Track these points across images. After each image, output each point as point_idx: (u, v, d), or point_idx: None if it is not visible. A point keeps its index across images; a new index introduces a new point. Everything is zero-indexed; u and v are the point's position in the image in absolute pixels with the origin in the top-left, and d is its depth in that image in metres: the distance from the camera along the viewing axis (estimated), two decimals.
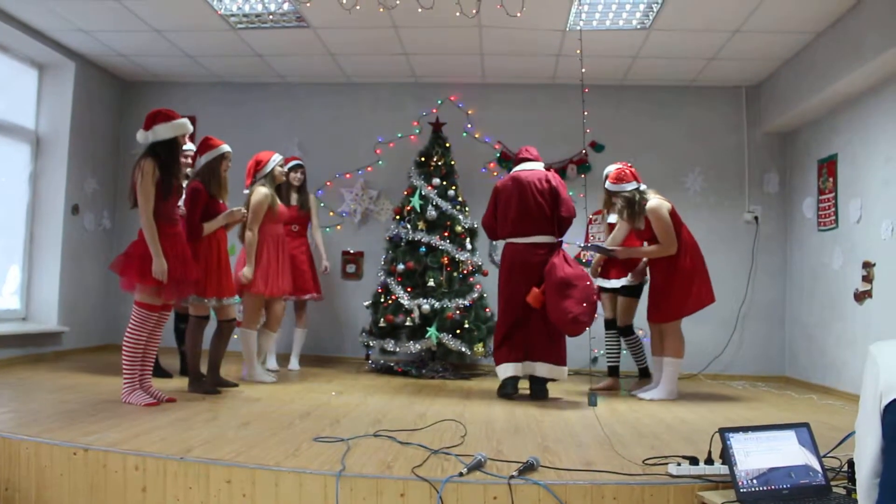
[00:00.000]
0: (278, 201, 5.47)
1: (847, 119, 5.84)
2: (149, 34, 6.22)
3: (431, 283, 6.13)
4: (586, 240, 6.62)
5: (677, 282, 5.15)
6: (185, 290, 4.49)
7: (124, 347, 4.27)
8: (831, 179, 6.04)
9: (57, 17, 5.91)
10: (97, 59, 6.98)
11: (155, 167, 4.21)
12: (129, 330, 4.25)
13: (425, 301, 6.07)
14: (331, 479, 2.80)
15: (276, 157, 5.49)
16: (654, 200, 5.19)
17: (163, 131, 4.26)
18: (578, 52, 5.52)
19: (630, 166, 5.36)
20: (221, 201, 4.94)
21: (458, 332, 6.08)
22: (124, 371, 4.27)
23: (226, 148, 4.90)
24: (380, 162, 7.33)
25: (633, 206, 5.20)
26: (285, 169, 5.68)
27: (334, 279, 7.29)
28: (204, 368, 4.93)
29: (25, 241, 6.63)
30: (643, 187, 5.28)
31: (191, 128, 4.47)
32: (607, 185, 5.35)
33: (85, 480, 3.03)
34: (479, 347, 6.12)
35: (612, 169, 5.41)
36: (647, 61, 6.51)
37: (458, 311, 6.09)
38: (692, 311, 5.24)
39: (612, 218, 5.68)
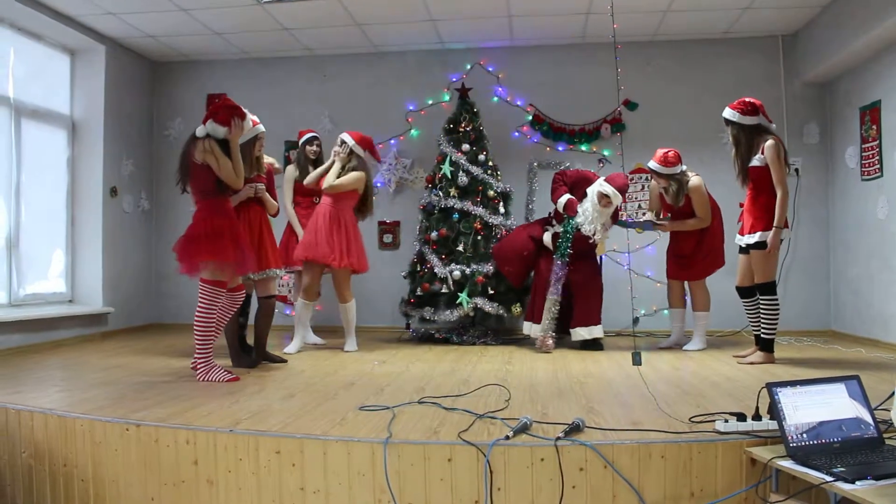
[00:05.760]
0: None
1: (890, 64, 5.64)
2: (176, 14, 6.24)
3: (461, 248, 6.11)
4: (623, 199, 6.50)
5: (708, 242, 5.61)
6: (248, 267, 4.49)
7: (195, 326, 4.29)
8: (875, 127, 5.87)
9: (86, 2, 5.94)
10: (127, 41, 7.02)
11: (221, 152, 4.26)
12: (198, 309, 4.27)
13: (457, 267, 6.06)
14: (378, 446, 2.83)
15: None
16: (695, 178, 5.55)
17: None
18: (609, 7, 5.41)
19: (673, 151, 5.54)
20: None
21: (491, 295, 6.04)
22: (197, 350, 4.31)
23: (261, 128, 4.87)
24: (412, 130, 7.29)
25: (682, 187, 5.52)
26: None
27: (372, 249, 7.31)
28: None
29: (67, 225, 6.76)
30: (685, 168, 5.57)
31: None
32: (656, 166, 5.52)
33: (138, 455, 3.10)
34: (517, 308, 6.09)
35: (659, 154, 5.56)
36: (679, 14, 6.35)
37: (486, 276, 6.04)
38: (717, 269, 5.70)
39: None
